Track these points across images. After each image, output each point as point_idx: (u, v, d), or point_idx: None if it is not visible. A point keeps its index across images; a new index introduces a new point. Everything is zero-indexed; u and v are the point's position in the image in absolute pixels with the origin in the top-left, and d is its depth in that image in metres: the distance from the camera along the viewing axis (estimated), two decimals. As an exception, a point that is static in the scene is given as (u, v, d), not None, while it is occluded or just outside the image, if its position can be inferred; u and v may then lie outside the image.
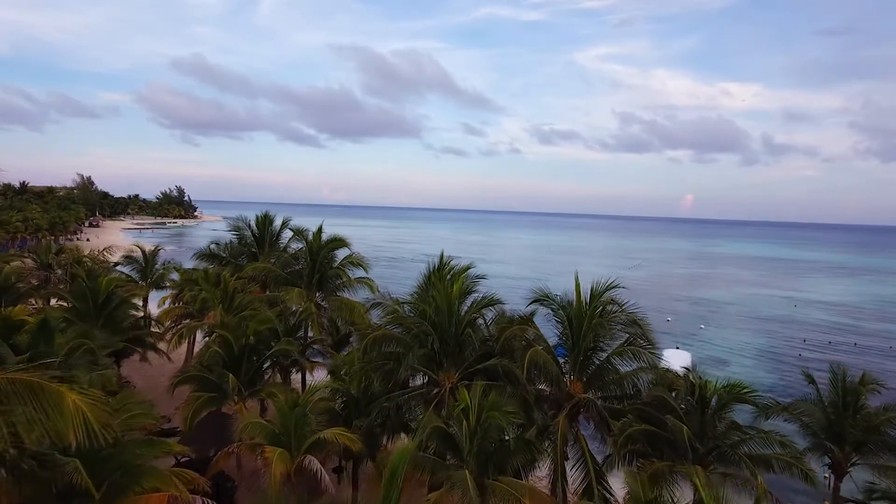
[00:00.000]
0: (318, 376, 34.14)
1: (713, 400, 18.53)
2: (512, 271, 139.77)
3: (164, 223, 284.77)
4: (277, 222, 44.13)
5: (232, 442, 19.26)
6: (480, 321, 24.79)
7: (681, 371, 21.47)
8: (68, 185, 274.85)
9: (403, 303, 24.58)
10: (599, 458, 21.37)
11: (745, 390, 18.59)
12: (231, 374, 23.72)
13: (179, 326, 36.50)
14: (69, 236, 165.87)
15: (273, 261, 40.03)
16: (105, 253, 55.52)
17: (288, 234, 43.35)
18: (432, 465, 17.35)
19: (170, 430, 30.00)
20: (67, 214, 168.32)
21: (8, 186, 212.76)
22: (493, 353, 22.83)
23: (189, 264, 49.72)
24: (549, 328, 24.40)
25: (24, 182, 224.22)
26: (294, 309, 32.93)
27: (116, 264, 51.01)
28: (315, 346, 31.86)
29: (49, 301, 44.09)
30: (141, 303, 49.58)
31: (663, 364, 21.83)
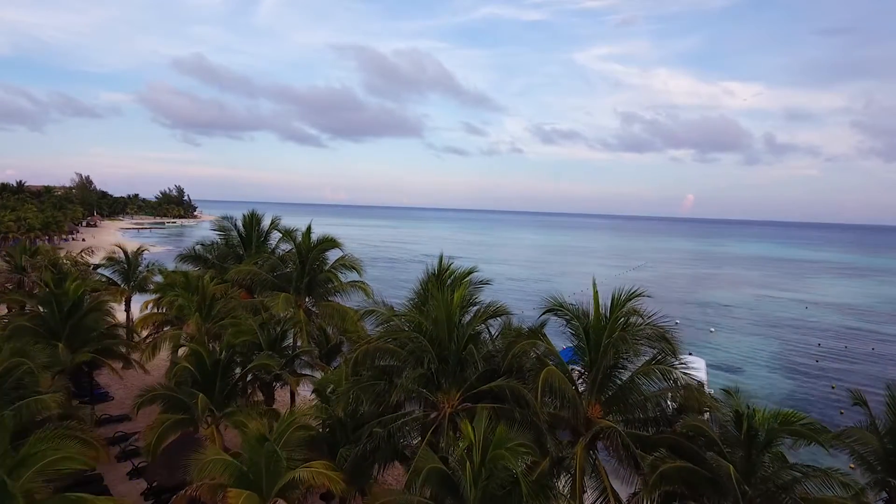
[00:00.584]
0: (309, 389, 31.39)
1: (761, 431, 15.59)
2: (514, 272, 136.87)
3: (163, 223, 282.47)
4: (266, 222, 41.20)
5: (190, 482, 16.39)
6: (485, 333, 21.91)
7: (719, 394, 18.52)
8: (67, 185, 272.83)
9: (397, 315, 21.59)
10: (622, 495, 18.44)
11: (802, 421, 15.62)
12: (201, 394, 20.81)
13: (157, 335, 33.63)
14: (64, 236, 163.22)
15: (260, 263, 37.05)
16: (83, 254, 52.57)
17: (277, 233, 40.38)
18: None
19: (133, 450, 27.23)
20: (62, 214, 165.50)
21: (4, 186, 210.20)
22: (500, 371, 19.94)
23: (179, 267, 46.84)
24: (555, 332, 21.63)
25: (20, 181, 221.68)
26: (280, 316, 29.97)
27: (97, 266, 48.08)
28: (303, 358, 29.01)
29: (25, 307, 41.29)
30: (123, 307, 46.87)
31: (693, 378, 18.89)
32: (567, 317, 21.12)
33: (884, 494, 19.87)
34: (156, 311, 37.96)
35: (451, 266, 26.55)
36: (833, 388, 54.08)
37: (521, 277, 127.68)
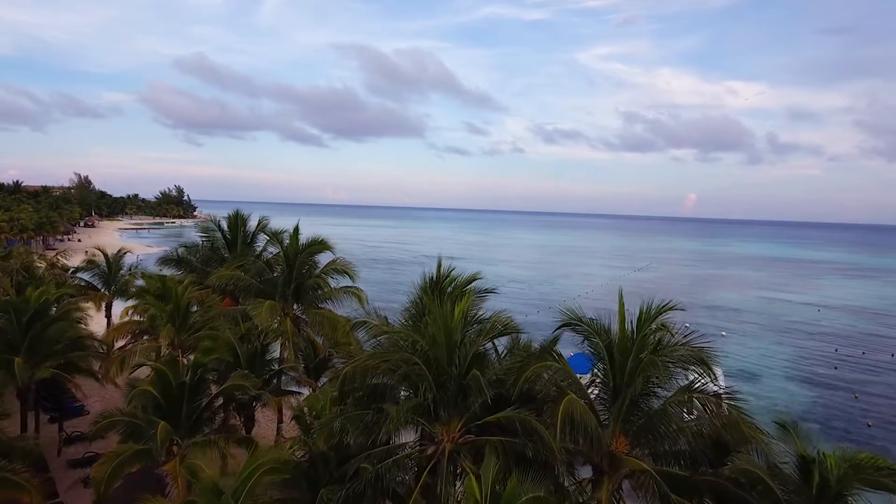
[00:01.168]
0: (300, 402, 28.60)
1: (832, 478, 12.72)
2: (516, 273, 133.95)
3: (162, 223, 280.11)
4: (253, 223, 38.29)
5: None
6: (490, 351, 19.05)
7: (768, 426, 15.63)
8: (66, 185, 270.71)
9: (388, 331, 18.69)
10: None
11: (879, 465, 12.70)
12: (162, 422, 17.98)
13: (132, 345, 30.78)
14: (59, 237, 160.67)
15: (246, 267, 34.06)
16: (59, 257, 49.70)
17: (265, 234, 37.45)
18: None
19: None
20: (58, 215, 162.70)
21: (1, 186, 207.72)
22: (508, 397, 17.07)
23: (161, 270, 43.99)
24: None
25: (17, 181, 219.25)
26: (262, 328, 27.01)
27: (76, 270, 45.25)
28: (289, 374, 26.21)
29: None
30: (104, 314, 44.09)
31: (738, 409, 16.03)
32: (586, 332, 18.32)
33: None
34: (136, 318, 35.09)
35: (452, 272, 23.74)
36: (856, 397, 51.20)
37: (523, 279, 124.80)
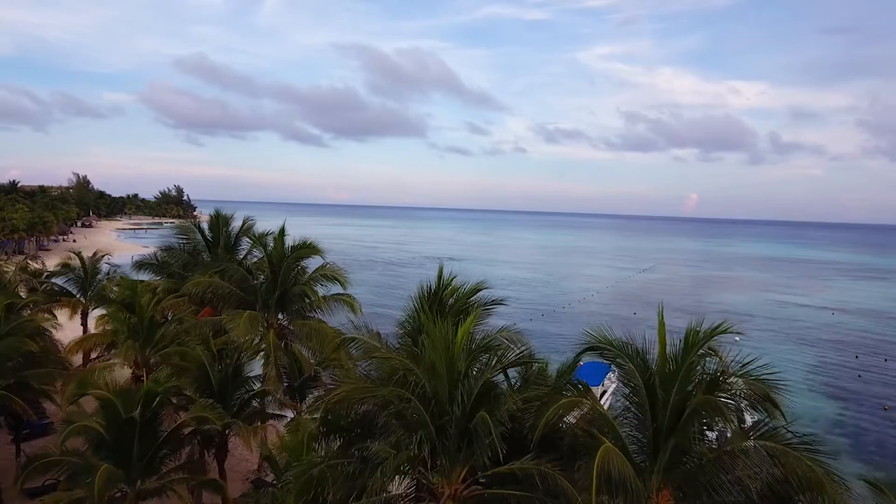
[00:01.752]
0: (292, 413, 25.49)
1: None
2: (519, 275, 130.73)
3: (161, 223, 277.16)
4: (237, 224, 35.07)
5: None
6: (501, 378, 15.88)
7: (855, 484, 12.50)
8: (64, 185, 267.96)
9: (378, 357, 15.49)
10: None
11: None
12: (104, 464, 14.83)
13: (96, 361, 27.68)
14: (54, 237, 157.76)
15: (229, 273, 30.75)
16: (28, 261, 46.57)
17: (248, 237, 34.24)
18: None
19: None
20: (52, 215, 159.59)
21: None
22: (522, 437, 13.89)
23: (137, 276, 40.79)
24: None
25: (13, 181, 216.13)
26: (238, 342, 23.78)
27: (51, 275, 42.10)
28: (268, 399, 23.10)
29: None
30: (80, 323, 40.95)
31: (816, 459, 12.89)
32: (613, 355, 15.13)
33: None
34: (105, 329, 31.92)
35: (453, 281, 20.54)
36: (885, 409, 48.03)
37: (525, 280, 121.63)
